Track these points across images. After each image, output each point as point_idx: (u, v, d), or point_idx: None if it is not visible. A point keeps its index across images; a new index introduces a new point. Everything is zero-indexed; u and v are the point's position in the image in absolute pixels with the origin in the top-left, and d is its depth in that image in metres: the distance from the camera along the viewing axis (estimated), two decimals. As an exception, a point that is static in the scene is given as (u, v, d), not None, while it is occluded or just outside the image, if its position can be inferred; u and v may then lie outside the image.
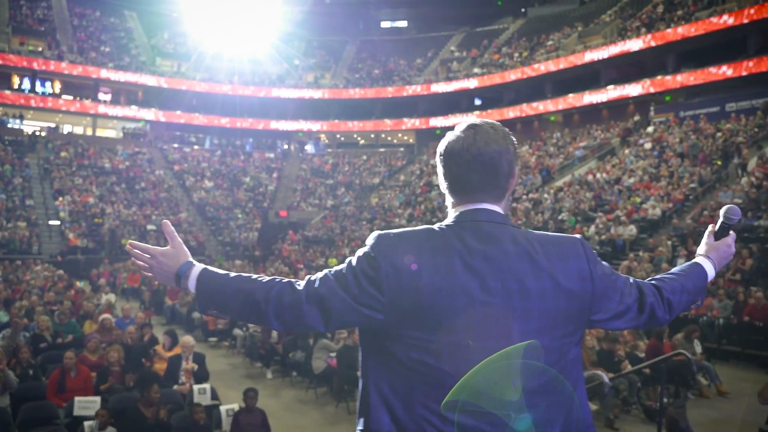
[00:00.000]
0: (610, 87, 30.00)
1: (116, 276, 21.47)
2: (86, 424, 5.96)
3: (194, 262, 1.69)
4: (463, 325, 1.47)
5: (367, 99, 40.34)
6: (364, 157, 40.05)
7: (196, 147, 38.83)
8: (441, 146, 1.64)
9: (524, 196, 24.53)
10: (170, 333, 8.87)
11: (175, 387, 7.43)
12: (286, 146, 41.26)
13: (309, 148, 41.17)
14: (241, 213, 33.05)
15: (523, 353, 1.49)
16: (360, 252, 1.58)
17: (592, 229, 18.23)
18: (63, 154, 32.81)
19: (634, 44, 28.80)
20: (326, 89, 40.72)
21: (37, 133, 33.93)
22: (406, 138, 41.91)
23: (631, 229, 17.28)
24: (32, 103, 34.90)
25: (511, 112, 34.86)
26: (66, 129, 36.79)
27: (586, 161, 26.65)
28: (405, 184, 34.39)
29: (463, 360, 1.46)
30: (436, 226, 1.60)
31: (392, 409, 1.50)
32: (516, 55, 36.55)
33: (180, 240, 1.72)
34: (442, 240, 1.54)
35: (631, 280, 1.70)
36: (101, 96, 37.27)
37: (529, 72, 33.84)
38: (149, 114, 37.69)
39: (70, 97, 36.13)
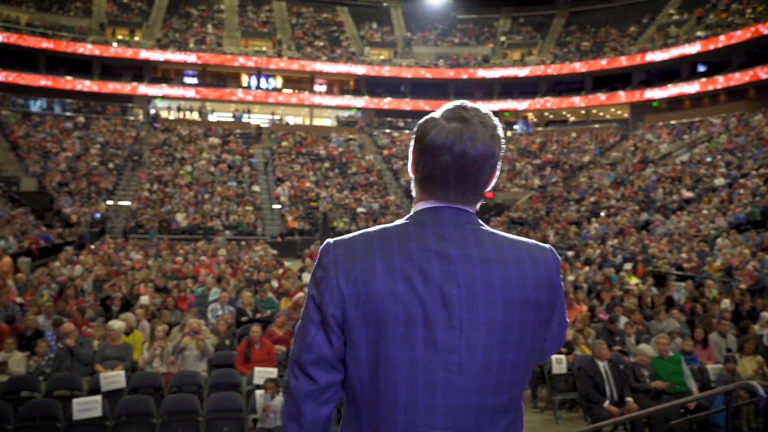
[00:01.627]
0: None
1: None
2: (257, 392, 6.41)
3: None
4: (418, 336, 1.31)
5: (576, 73, 38.48)
6: (574, 135, 38.29)
7: (407, 131, 40.00)
8: (420, 130, 1.44)
9: (753, 172, 21.80)
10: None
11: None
12: (492, 127, 40.81)
13: (518, 127, 40.37)
14: (447, 195, 33.37)
15: (486, 368, 1.33)
16: (313, 273, 1.43)
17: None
18: (284, 143, 35.76)
19: None
20: (533, 66, 39.57)
21: (262, 125, 37.35)
22: (619, 112, 39.31)
23: None
24: (258, 98, 38.41)
25: (742, 78, 31.06)
26: (287, 120, 40.00)
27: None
28: (616, 162, 32.33)
29: (418, 375, 1.31)
30: (393, 225, 1.42)
31: None
32: (749, 11, 32.40)
33: None
34: (397, 242, 1.37)
35: None
36: (316, 87, 39.92)
37: (764, 30, 29.84)
38: (360, 102, 39.56)
39: (290, 91, 39.15)
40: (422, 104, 39.79)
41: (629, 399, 6.15)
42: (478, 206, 1.48)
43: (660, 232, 19.86)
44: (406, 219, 1.44)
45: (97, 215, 26.57)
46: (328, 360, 1.37)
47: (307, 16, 42.78)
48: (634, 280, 13.64)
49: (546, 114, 40.99)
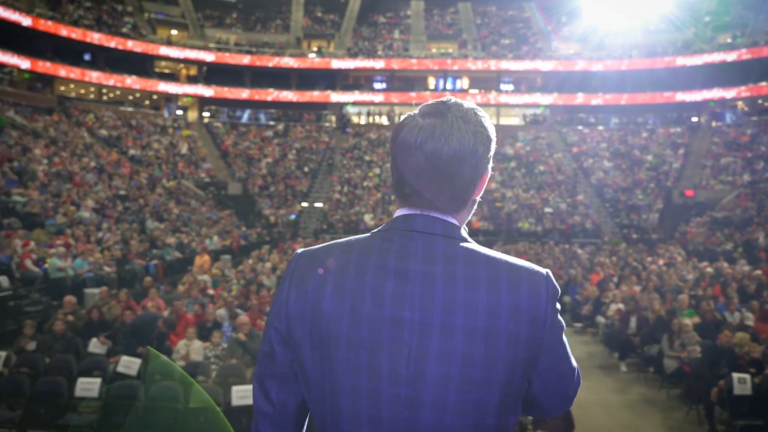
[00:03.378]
0: None
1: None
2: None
3: None
4: (362, 362, 1.15)
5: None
6: (794, 124, 33.89)
7: (600, 127, 38.01)
8: (395, 130, 1.27)
9: None
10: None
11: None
12: (694, 119, 37.44)
13: (727, 118, 36.56)
14: (642, 193, 31.25)
15: (439, 406, 1.13)
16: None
17: None
18: (469, 144, 35.67)
19: None
20: (743, 50, 35.59)
21: (448, 127, 37.61)
22: None
23: None
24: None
25: None
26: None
27: None
28: None
29: (362, 406, 1.15)
30: (360, 237, 1.27)
31: None
32: None
33: None
34: (356, 257, 1.21)
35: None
36: (503, 86, 39.34)
37: None
38: (548, 99, 38.33)
39: (476, 91, 38.98)
40: (614, 99, 37.57)
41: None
42: (467, 215, 1.30)
43: None
44: (381, 227, 1.28)
45: (292, 216, 28.43)
46: (275, 375, 1.25)
47: (493, 15, 42.34)
48: None
49: (760, 101, 36.65)
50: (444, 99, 1.26)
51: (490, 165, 1.27)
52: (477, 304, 1.13)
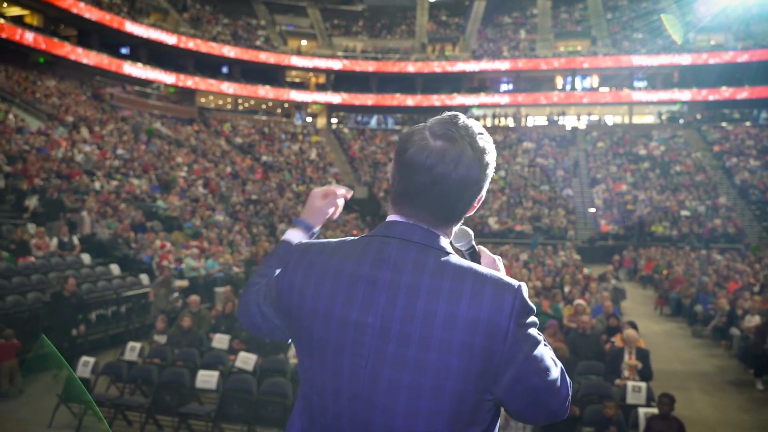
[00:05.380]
0: None
1: (637, 262, 21.39)
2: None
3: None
4: (328, 360, 1.25)
5: None
6: None
7: (747, 123, 35.23)
8: (402, 143, 1.31)
9: None
10: (631, 324, 8.50)
11: (617, 381, 7.14)
12: None
13: None
14: (794, 195, 28.63)
15: (389, 408, 1.19)
16: None
17: None
18: (600, 144, 34.33)
19: None
20: None
21: (577, 127, 36.35)
22: None
23: None
24: (573, 99, 37.51)
25: None
26: (604, 120, 38.29)
27: None
28: None
29: (327, 402, 1.26)
30: (349, 240, 1.35)
31: None
32: None
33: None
34: (338, 260, 1.30)
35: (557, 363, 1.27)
36: (636, 83, 37.51)
37: None
38: (686, 95, 36.09)
39: (607, 89, 37.43)
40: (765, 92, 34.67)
41: None
42: (454, 228, 1.34)
43: None
44: (371, 232, 1.35)
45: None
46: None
47: (624, 8, 40.44)
48: None
49: None
50: (453, 120, 1.30)
51: (485, 189, 1.32)
52: (434, 314, 1.17)
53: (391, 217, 1.32)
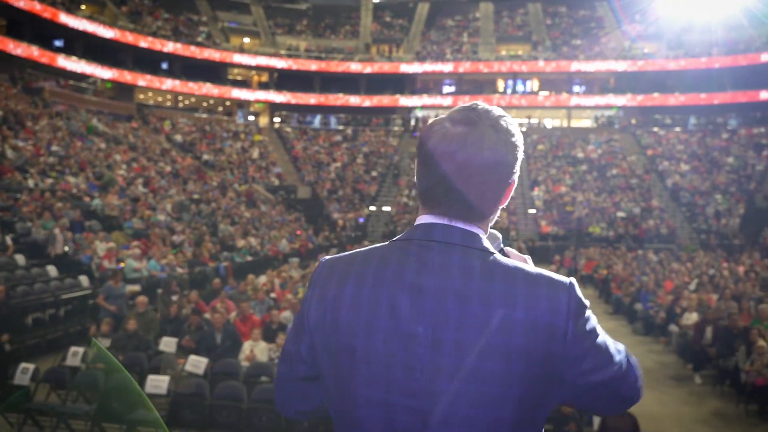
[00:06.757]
0: None
1: (577, 262, 21.97)
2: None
3: None
4: (379, 375, 1.16)
5: None
6: None
7: (677, 129, 36.61)
8: (422, 136, 1.25)
9: None
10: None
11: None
12: (782, 118, 35.54)
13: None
14: (722, 198, 29.93)
15: (447, 420, 1.12)
16: None
17: None
18: (540, 147, 35.07)
19: None
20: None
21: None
22: None
23: None
24: (514, 102, 38.18)
25: None
26: (544, 123, 39.16)
27: None
28: None
29: (375, 417, 1.17)
30: (380, 246, 1.27)
31: None
32: None
33: None
34: (374, 268, 1.21)
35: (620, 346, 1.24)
36: (575, 88, 38.49)
37: None
38: (621, 100, 37.27)
39: (547, 93, 38.29)
40: (693, 99, 36.07)
41: None
42: (491, 223, 1.27)
43: None
44: (401, 235, 1.27)
45: (361, 220, 28.65)
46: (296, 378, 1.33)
47: (564, 15, 41.49)
48: None
49: None
50: (473, 105, 1.24)
51: (517, 174, 1.24)
52: (489, 320, 1.11)
53: (423, 219, 1.25)
